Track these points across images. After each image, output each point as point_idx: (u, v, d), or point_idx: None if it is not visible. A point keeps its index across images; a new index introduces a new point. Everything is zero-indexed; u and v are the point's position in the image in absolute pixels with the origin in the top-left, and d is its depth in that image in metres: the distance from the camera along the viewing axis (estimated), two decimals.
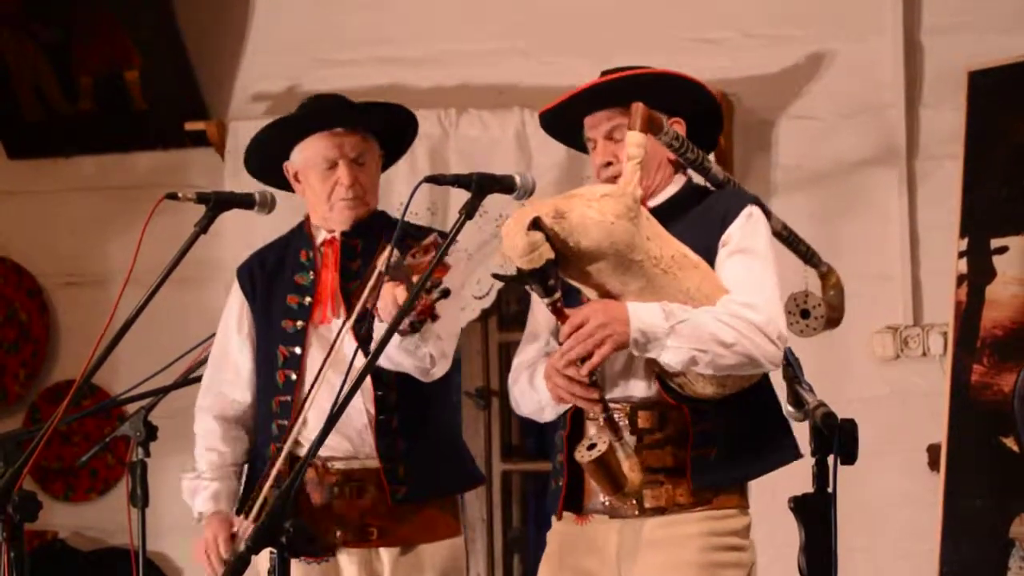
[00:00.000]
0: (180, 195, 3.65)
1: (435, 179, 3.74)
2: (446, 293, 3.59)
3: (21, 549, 3.34)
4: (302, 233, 4.19)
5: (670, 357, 3.40)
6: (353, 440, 4.01)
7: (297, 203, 5.95)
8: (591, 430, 3.55)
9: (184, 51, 6.16)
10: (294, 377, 4.02)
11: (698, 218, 3.64)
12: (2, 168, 6.50)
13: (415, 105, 4.25)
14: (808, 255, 4.09)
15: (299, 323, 4.06)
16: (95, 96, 6.31)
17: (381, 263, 3.61)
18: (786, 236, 3.99)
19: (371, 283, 3.73)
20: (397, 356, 3.87)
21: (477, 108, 5.84)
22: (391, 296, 3.64)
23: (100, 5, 6.13)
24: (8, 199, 6.49)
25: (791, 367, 3.26)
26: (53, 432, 3.35)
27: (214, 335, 4.31)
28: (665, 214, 3.62)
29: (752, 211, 3.62)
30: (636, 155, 3.44)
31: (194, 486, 4.17)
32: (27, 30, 6.25)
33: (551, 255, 3.31)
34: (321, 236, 4.14)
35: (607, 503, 3.57)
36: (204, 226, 3.66)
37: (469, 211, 3.44)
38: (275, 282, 4.13)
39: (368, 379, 3.94)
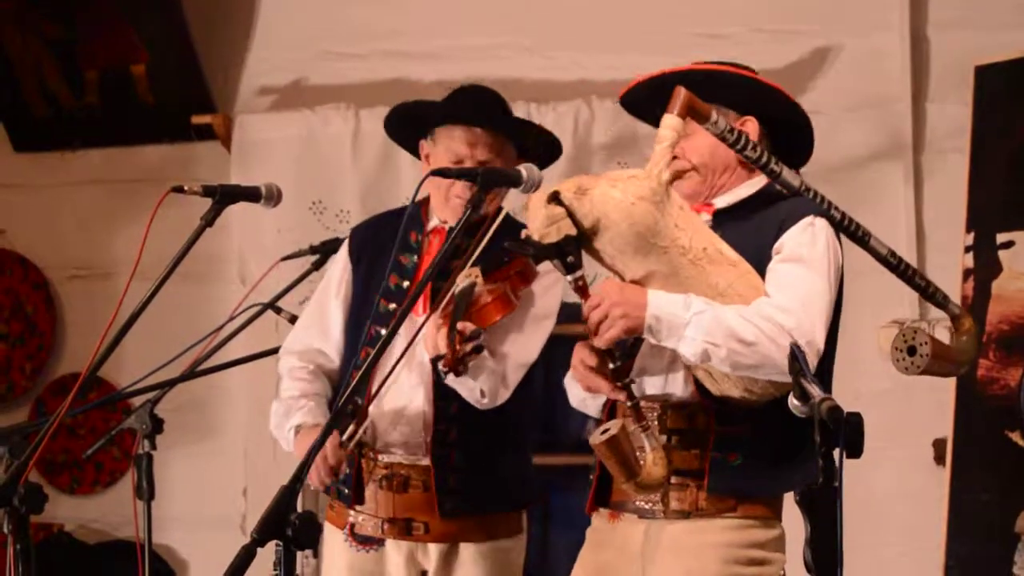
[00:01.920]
0: (186, 188, 3.64)
1: (442, 172, 3.75)
2: (479, 349, 3.61)
3: (27, 541, 3.34)
4: (418, 212, 4.15)
5: (685, 348, 3.35)
6: (406, 436, 4.03)
7: (304, 196, 5.98)
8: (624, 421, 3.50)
9: (190, 45, 6.16)
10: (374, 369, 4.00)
11: (759, 222, 3.55)
12: (8, 161, 6.50)
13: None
14: (928, 291, 3.87)
15: (392, 305, 4.04)
16: (101, 90, 6.31)
17: (459, 281, 3.61)
18: (895, 264, 3.79)
19: (442, 304, 3.72)
20: (449, 382, 3.90)
21: None
22: (432, 338, 3.67)
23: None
24: (14, 192, 6.50)
25: (797, 361, 3.25)
26: (59, 425, 3.35)
27: (219, 328, 4.32)
28: (732, 215, 3.60)
29: (814, 221, 3.51)
30: (667, 137, 3.36)
31: (285, 408, 4.15)
32: (33, 24, 6.26)
33: (572, 231, 3.28)
34: (433, 222, 4.14)
35: (636, 502, 3.54)
36: (210, 219, 3.65)
37: (475, 204, 3.43)
38: (383, 253, 4.08)
39: (425, 384, 4.01)
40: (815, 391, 3.05)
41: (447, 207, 4.07)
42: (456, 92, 4.21)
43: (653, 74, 3.68)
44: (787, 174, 3.58)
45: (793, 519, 3.13)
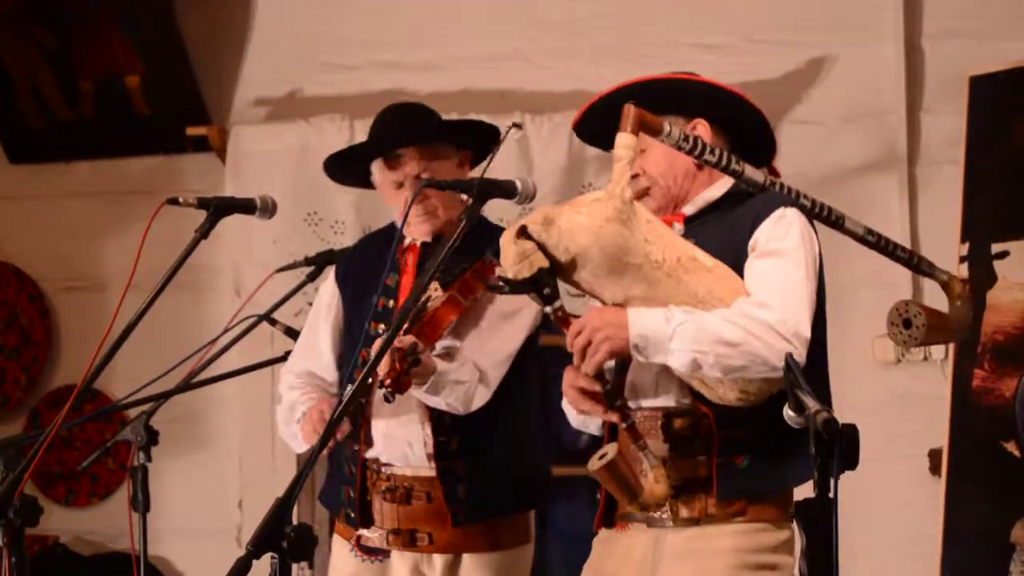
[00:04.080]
0: (181, 200, 3.65)
1: (435, 184, 3.77)
2: (416, 363, 3.63)
3: (22, 554, 3.34)
4: (397, 232, 4.18)
5: (674, 361, 3.36)
6: (404, 450, 4.04)
7: (299, 208, 5.98)
8: (622, 440, 3.50)
9: (185, 56, 6.16)
10: (370, 380, 4.02)
11: (731, 223, 3.56)
12: (3, 173, 6.50)
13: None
14: (912, 262, 3.91)
15: (382, 327, 4.07)
16: (96, 101, 6.31)
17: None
18: (874, 242, 3.82)
19: (393, 327, 3.73)
20: (422, 399, 3.94)
21: (478, 112, 5.84)
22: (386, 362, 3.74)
23: (101, 10, 6.13)
24: (9, 204, 6.49)
25: (792, 372, 3.24)
26: (54, 437, 3.35)
27: (214, 340, 4.32)
28: (703, 219, 3.61)
29: (784, 212, 3.52)
30: (623, 156, 3.37)
31: (290, 404, 4.20)
32: (28, 35, 6.25)
33: (544, 263, 3.30)
34: (408, 240, 4.18)
35: (646, 513, 3.53)
36: (205, 231, 3.66)
37: (469, 216, 3.44)
38: (369, 275, 4.14)
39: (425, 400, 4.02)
40: (810, 402, 3.05)
41: (411, 228, 4.13)
42: (374, 121, 4.28)
43: (594, 99, 3.71)
44: (750, 171, 3.60)
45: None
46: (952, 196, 5.36)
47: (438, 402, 3.95)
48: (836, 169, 5.67)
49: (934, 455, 5.37)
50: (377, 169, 4.18)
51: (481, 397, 3.99)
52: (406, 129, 4.16)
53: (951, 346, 5.24)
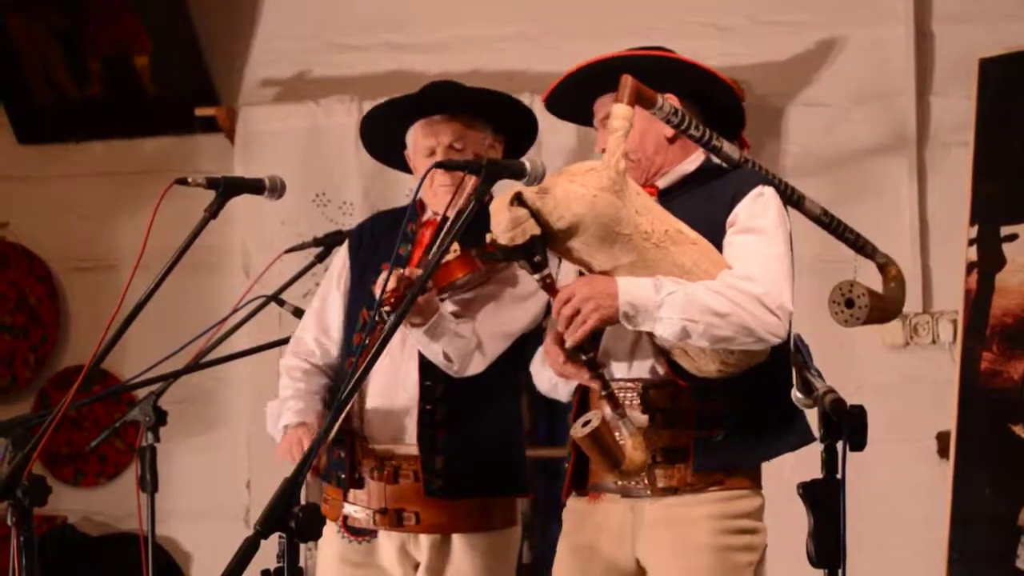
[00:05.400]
0: (190, 180, 3.64)
1: (445, 165, 3.76)
2: (422, 291, 3.62)
3: (31, 534, 3.34)
4: (415, 205, 4.16)
5: (663, 329, 3.38)
6: (395, 426, 4.03)
7: (308, 188, 5.99)
8: (596, 408, 3.53)
9: (194, 36, 6.16)
10: (368, 343, 4.01)
11: (708, 198, 3.61)
12: (12, 153, 6.50)
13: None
14: (858, 244, 3.98)
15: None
16: (105, 81, 6.31)
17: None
18: (827, 222, 3.90)
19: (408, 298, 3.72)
20: (416, 343, 3.92)
21: None
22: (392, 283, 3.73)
23: None
24: (18, 184, 6.50)
25: (800, 353, 3.25)
26: (63, 417, 3.35)
27: (223, 321, 4.32)
28: (676, 193, 3.65)
29: (763, 191, 3.58)
30: (620, 128, 3.40)
31: (278, 410, 4.18)
32: (37, 15, 6.25)
33: (536, 231, 3.32)
34: (428, 214, 4.16)
35: (618, 482, 3.56)
36: (214, 211, 3.65)
37: (478, 196, 3.43)
38: (381, 245, 4.14)
39: (416, 368, 4.02)
40: (819, 384, 3.05)
41: (435, 198, 4.10)
42: (411, 94, 4.24)
43: (569, 71, 3.75)
44: (727, 147, 3.67)
45: (794, 508, 3.13)
46: (961, 179, 5.36)
47: (435, 351, 3.92)
48: (845, 151, 5.66)
49: (942, 438, 5.37)
50: (413, 134, 4.15)
51: (477, 364, 3.97)
52: (451, 95, 4.16)
53: (960, 329, 5.24)
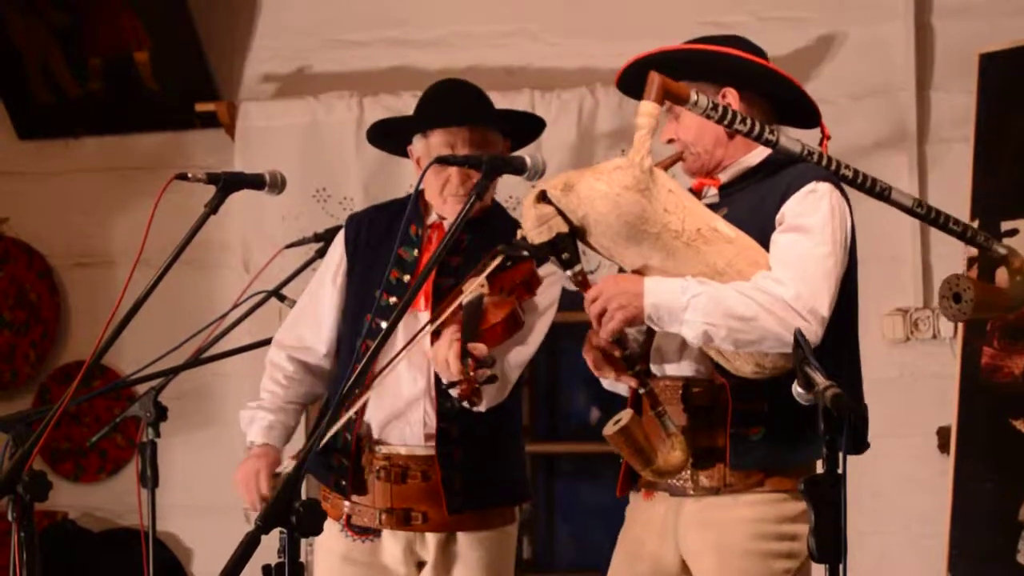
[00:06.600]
0: (190, 175, 3.64)
1: (446, 160, 3.75)
2: (492, 379, 3.51)
3: (31, 529, 3.34)
4: (416, 205, 4.11)
5: (687, 331, 3.36)
6: (403, 430, 4.02)
7: (308, 184, 5.98)
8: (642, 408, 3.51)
9: (194, 32, 6.15)
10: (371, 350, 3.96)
11: (765, 193, 3.54)
12: (12, 149, 6.50)
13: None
14: (967, 235, 3.86)
15: (393, 299, 4.01)
16: (105, 77, 6.31)
17: (466, 291, 3.54)
18: (923, 214, 3.77)
19: (449, 311, 3.56)
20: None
21: (486, 89, 5.83)
22: (443, 359, 3.54)
23: None
24: (18, 180, 6.50)
25: (800, 348, 3.24)
26: (63, 413, 3.35)
27: (223, 316, 4.32)
28: (738, 186, 3.61)
29: (816, 187, 3.48)
30: (644, 125, 3.36)
31: (251, 415, 4.18)
32: (37, 11, 6.25)
33: (563, 228, 3.32)
34: (432, 217, 4.11)
35: (668, 481, 3.54)
36: (214, 206, 3.65)
37: (479, 192, 3.43)
38: (381, 246, 4.09)
39: (432, 383, 3.97)
40: (819, 378, 3.04)
41: (444, 205, 4.05)
42: (428, 93, 4.19)
43: (637, 56, 3.64)
44: (785, 141, 3.54)
45: None
46: (962, 174, 5.36)
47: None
48: (846, 147, 5.65)
49: (943, 433, 5.38)
50: (426, 136, 4.09)
51: (500, 396, 3.95)
52: (467, 107, 4.11)
53: (960, 324, 5.24)
